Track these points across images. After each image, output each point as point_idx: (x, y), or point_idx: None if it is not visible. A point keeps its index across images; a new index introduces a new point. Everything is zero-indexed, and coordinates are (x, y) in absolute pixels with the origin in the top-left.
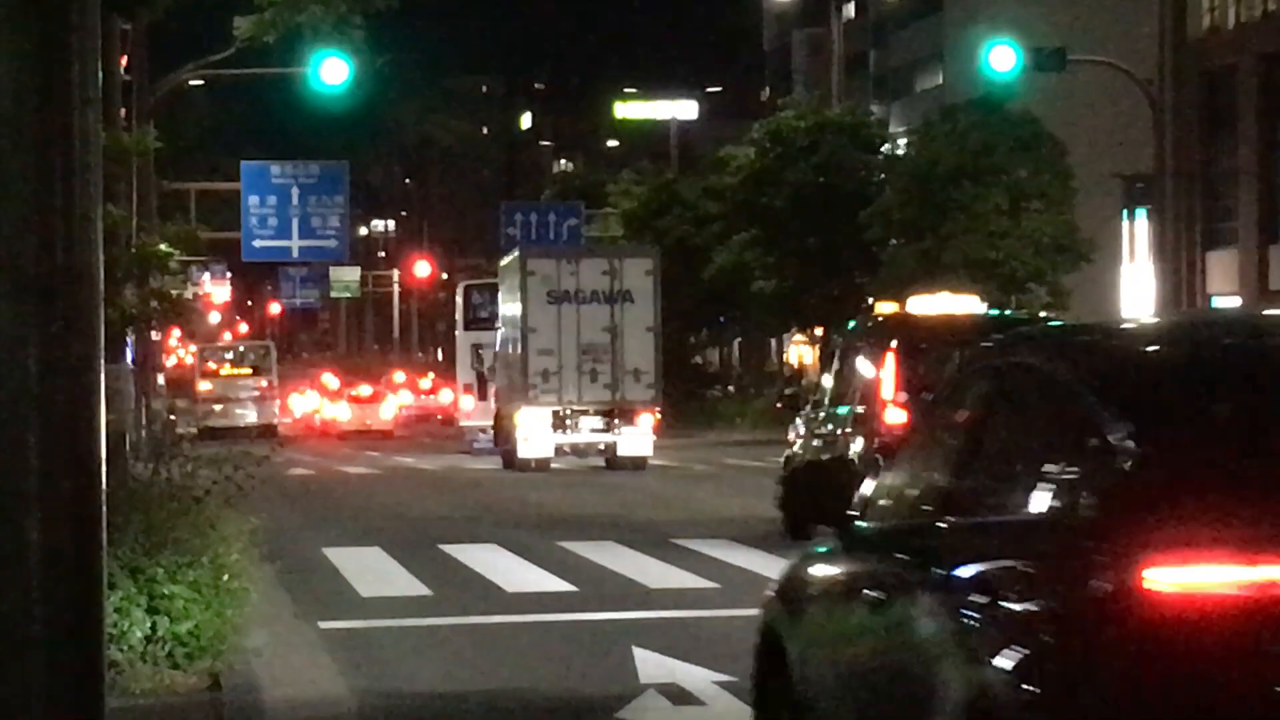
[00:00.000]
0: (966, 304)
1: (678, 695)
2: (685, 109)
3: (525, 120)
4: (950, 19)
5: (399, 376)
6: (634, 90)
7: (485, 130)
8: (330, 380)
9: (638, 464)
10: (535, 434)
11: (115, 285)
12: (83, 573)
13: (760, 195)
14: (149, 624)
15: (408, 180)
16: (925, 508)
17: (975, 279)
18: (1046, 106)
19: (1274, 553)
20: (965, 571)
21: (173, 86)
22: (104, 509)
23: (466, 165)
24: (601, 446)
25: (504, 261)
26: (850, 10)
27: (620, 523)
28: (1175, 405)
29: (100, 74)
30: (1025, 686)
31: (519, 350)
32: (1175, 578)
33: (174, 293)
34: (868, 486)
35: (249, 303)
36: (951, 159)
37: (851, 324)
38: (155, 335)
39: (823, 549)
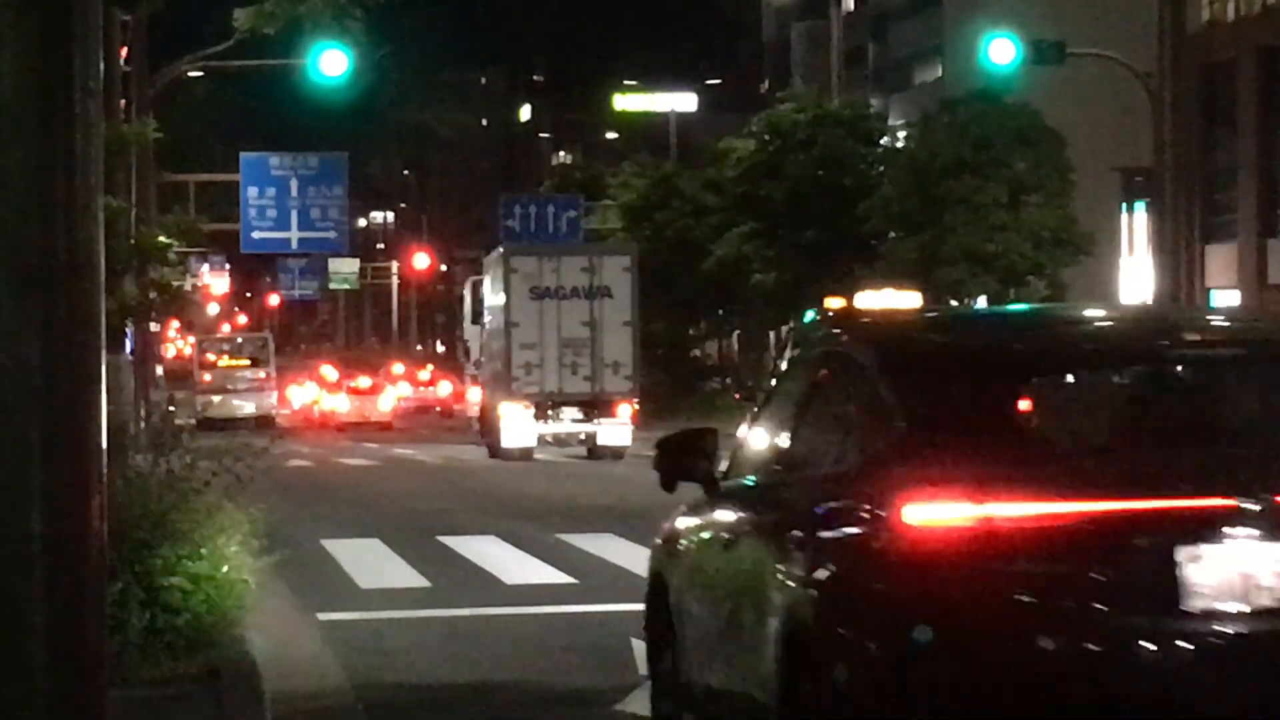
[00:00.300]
0: (908, 300)
1: None
2: (684, 101)
3: (524, 112)
4: (949, 12)
5: (398, 368)
6: (633, 83)
7: (484, 122)
8: (329, 372)
9: (617, 454)
10: (518, 424)
11: (114, 276)
12: (84, 563)
13: (759, 188)
14: (148, 615)
15: (407, 172)
16: (771, 467)
17: (974, 272)
18: (1045, 100)
19: (995, 494)
20: (789, 515)
21: (172, 78)
22: (105, 500)
23: (465, 157)
24: (582, 436)
25: (489, 258)
26: (849, 3)
27: (618, 514)
28: (939, 385)
29: (101, 65)
30: (826, 603)
31: (503, 344)
32: (925, 514)
33: (173, 284)
34: (731, 449)
35: (248, 294)
36: (950, 152)
37: (807, 317)
38: (154, 326)
39: (697, 502)
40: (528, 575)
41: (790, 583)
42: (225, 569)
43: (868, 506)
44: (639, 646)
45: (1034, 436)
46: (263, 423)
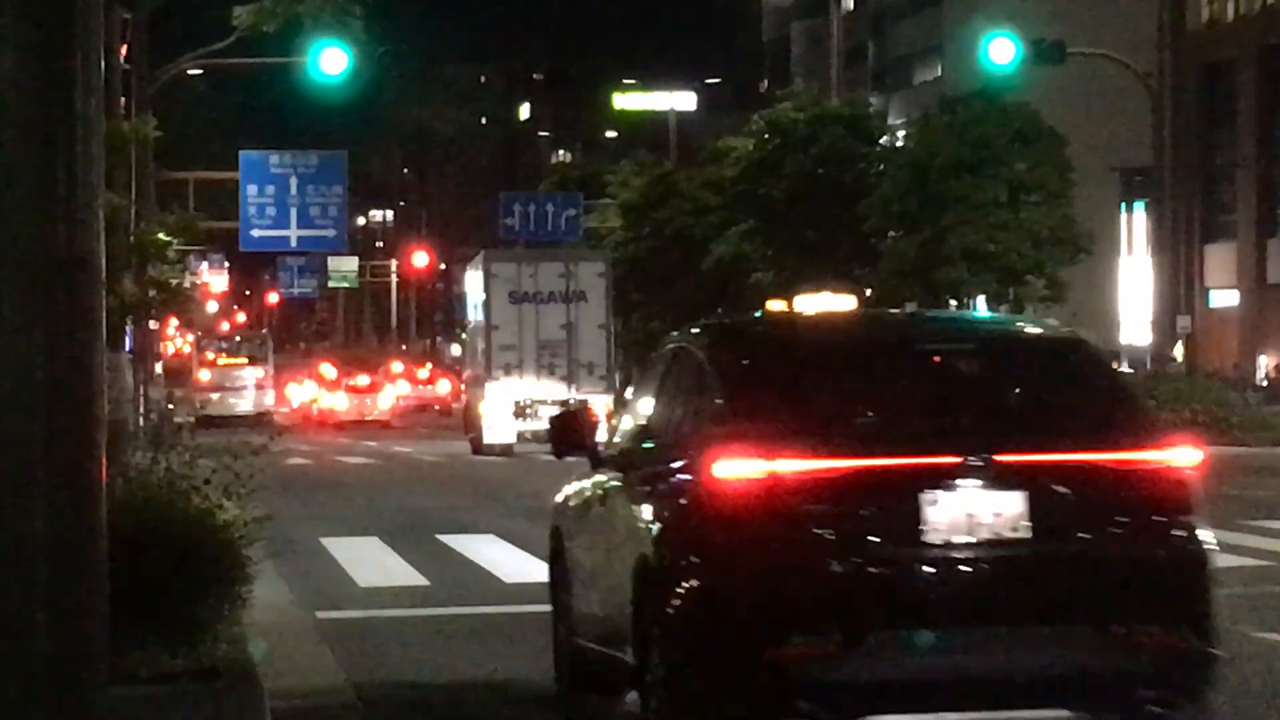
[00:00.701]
0: (844, 303)
1: None
2: (684, 100)
3: (524, 110)
4: (949, 11)
5: (397, 366)
6: (633, 81)
7: (484, 120)
8: (328, 370)
9: None
10: (499, 422)
11: (114, 274)
12: (85, 560)
13: (759, 187)
14: (147, 613)
15: (406, 170)
16: (635, 437)
17: (974, 271)
18: (1045, 99)
19: (784, 453)
20: (641, 474)
21: (172, 76)
22: (105, 497)
23: (465, 155)
24: None
25: (471, 262)
26: (849, 2)
27: None
28: (747, 370)
29: (102, 63)
30: (662, 546)
31: (484, 345)
32: (729, 469)
33: (172, 282)
34: (611, 424)
35: (247, 292)
36: (950, 151)
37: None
38: (153, 324)
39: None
40: (526, 573)
41: (639, 526)
42: (224, 566)
43: (690, 465)
44: None
45: (817, 410)
46: (261, 420)
